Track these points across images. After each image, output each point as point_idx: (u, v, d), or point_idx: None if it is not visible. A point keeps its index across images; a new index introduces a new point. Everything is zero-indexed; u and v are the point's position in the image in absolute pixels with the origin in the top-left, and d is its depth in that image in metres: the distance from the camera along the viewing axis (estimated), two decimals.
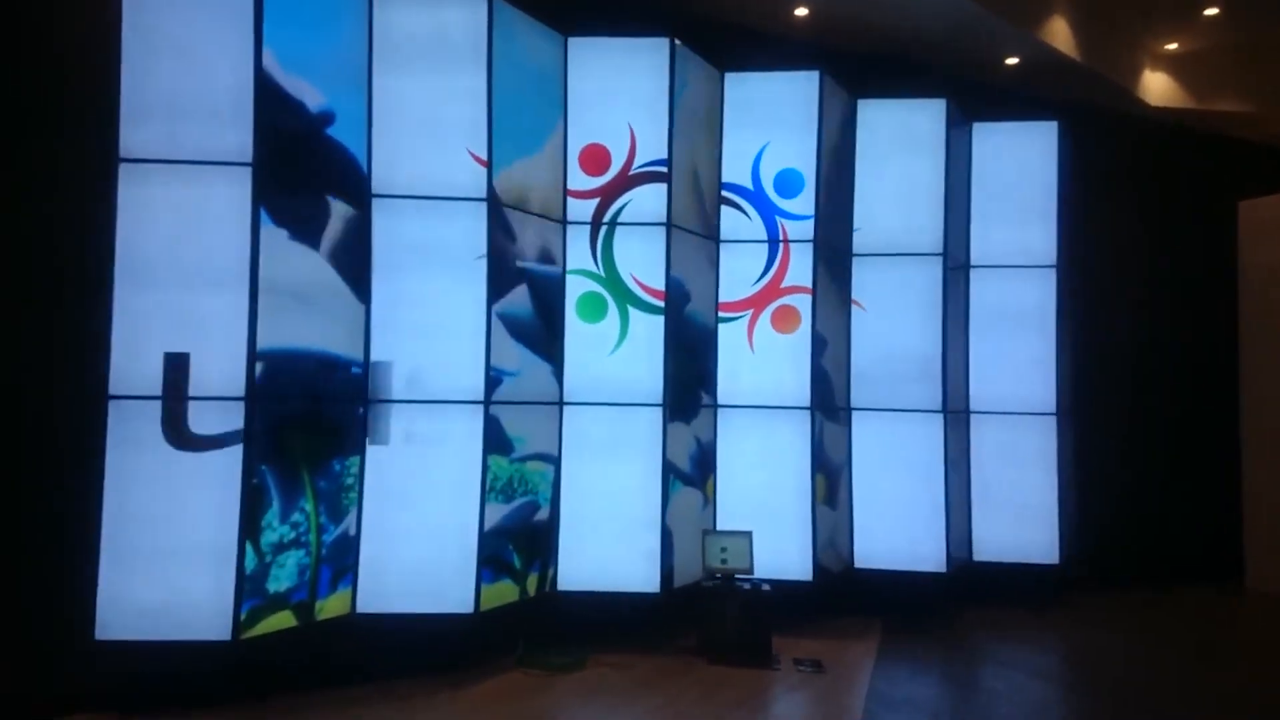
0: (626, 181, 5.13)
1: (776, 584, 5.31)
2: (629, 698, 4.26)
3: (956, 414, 6.21)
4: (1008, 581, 6.34)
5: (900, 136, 6.08)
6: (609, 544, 5.01)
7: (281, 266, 4.07)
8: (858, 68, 6.33)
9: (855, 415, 5.99)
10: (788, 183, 5.62)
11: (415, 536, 4.44)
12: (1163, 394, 7.61)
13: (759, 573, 5.32)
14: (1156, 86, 7.54)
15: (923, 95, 6.07)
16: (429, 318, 4.50)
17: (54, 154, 4.06)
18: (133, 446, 3.92)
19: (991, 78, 7.02)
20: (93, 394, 3.93)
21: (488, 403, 4.50)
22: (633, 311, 5.10)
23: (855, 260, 6.08)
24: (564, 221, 5.11)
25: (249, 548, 3.93)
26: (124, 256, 3.96)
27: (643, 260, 5.11)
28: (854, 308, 6.07)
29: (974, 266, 6.55)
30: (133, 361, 3.96)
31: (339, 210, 4.33)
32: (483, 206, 4.52)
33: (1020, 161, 6.54)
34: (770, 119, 5.64)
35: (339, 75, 4.35)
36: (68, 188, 4.07)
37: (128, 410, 3.93)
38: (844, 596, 5.88)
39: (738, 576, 5.03)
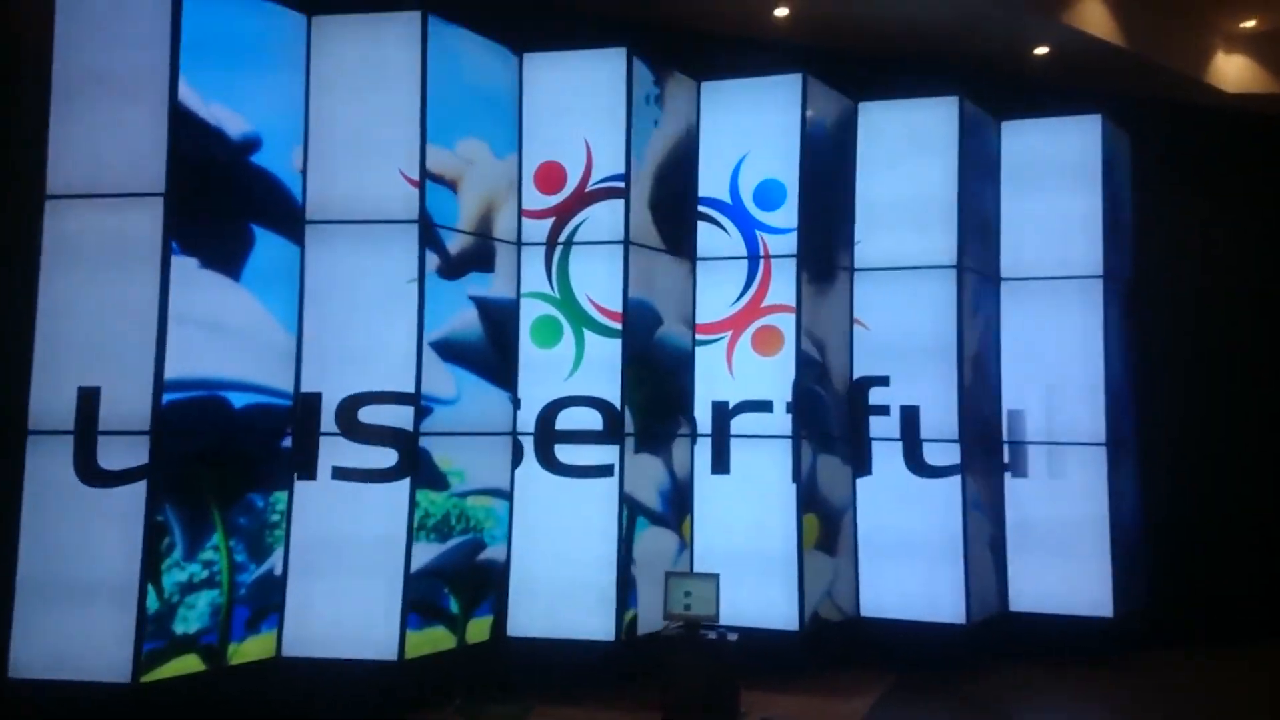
0: (583, 199, 4.84)
1: (759, 633, 4.82)
2: None
3: (984, 444, 5.54)
4: (1052, 636, 5.57)
5: (908, 140, 5.54)
6: (563, 587, 4.65)
7: (196, 297, 3.98)
8: (861, 70, 5.84)
9: (855, 445, 5.42)
10: (769, 194, 5.19)
11: (343, 576, 4.23)
12: (1238, 421, 6.60)
13: (741, 621, 4.84)
14: (1232, 71, 6.64)
15: (936, 95, 5.51)
16: (361, 345, 4.32)
17: None
18: (49, 483, 3.89)
19: (1021, 71, 6.34)
20: (13, 429, 3.93)
21: (417, 434, 4.27)
22: (589, 335, 4.78)
23: (857, 275, 5.54)
24: (518, 243, 4.86)
25: (150, 588, 3.81)
26: (46, 291, 3.97)
27: (600, 281, 4.79)
28: (856, 327, 5.52)
29: (1005, 279, 5.87)
30: (53, 396, 3.94)
31: (264, 238, 4.23)
32: (416, 229, 4.32)
33: (1059, 161, 5.84)
34: (750, 128, 5.24)
35: (270, 100, 4.28)
36: None
37: (44, 445, 3.91)
38: (850, 648, 5.29)
39: (705, 625, 4.55)
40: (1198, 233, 6.75)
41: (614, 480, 4.69)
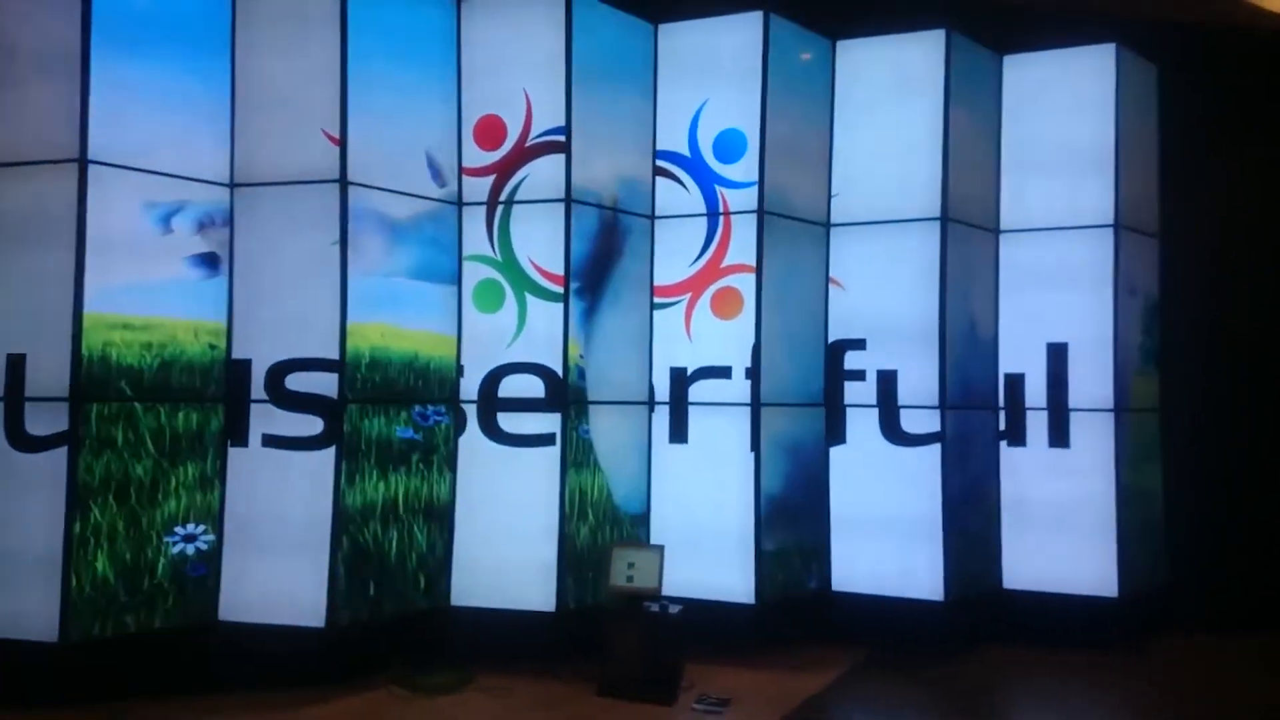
0: (523, 154, 4.63)
1: (714, 607, 4.63)
2: None
3: (975, 411, 5.14)
4: (1049, 617, 5.18)
5: (892, 81, 5.11)
6: (506, 557, 4.55)
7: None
8: (841, 5, 5.38)
9: (830, 412, 5.10)
10: (729, 145, 4.87)
11: (279, 542, 4.22)
12: (1269, 391, 5.94)
13: (698, 594, 4.66)
14: None
15: (922, 28, 5.04)
16: (291, 311, 4.25)
17: None
18: None
19: (1032, 2, 5.74)
20: None
21: (343, 401, 4.19)
22: (531, 300, 4.60)
23: (833, 231, 5.17)
24: (459, 203, 4.69)
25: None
26: None
27: (542, 242, 4.59)
28: (832, 287, 5.17)
29: (1005, 231, 5.40)
30: None
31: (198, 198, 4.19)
32: (336, 189, 4.20)
33: (1068, 98, 5.29)
34: (709, 73, 4.91)
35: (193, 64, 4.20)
36: None
37: None
38: (820, 624, 5.04)
39: (648, 597, 4.39)
40: (1236, 180, 6.05)
41: (555, 450, 4.52)
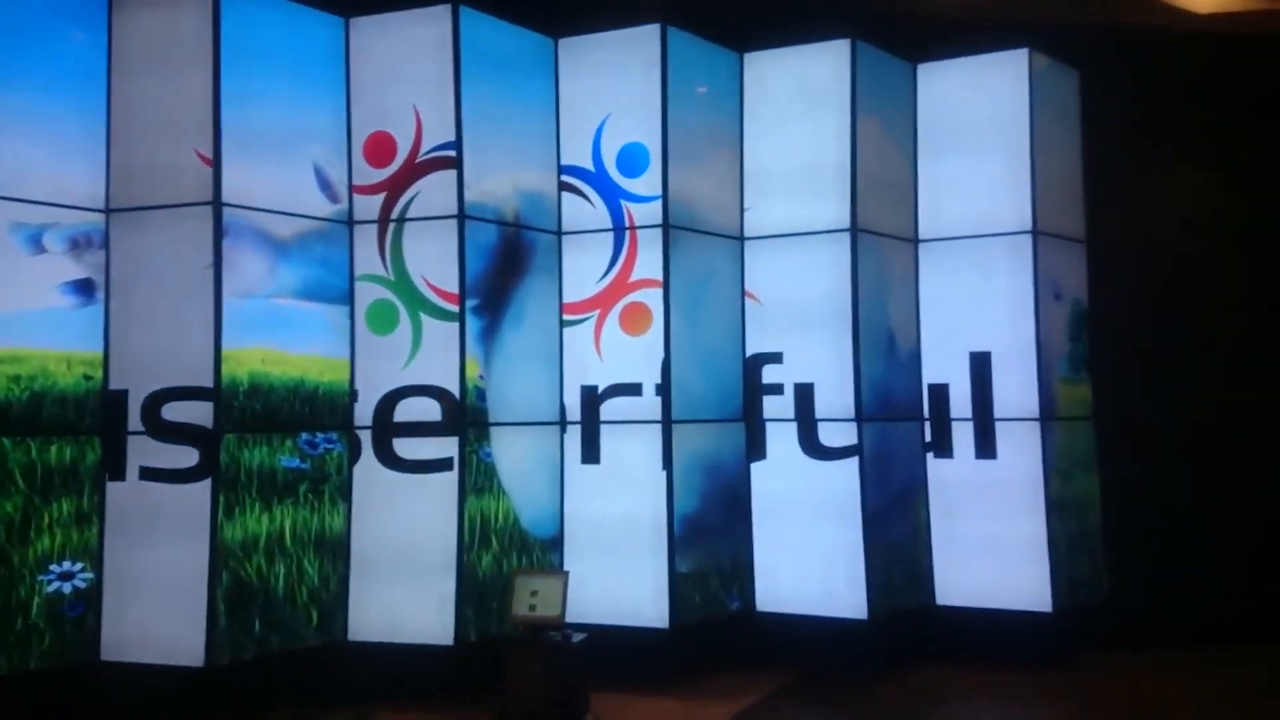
0: (414, 170, 4.50)
1: (628, 633, 4.45)
2: None
3: (895, 423, 5.00)
4: (982, 634, 5.00)
5: (799, 92, 5.02)
6: (404, 589, 4.35)
7: None
8: (750, 16, 5.31)
9: (750, 428, 4.95)
10: (632, 159, 4.76)
11: (158, 579, 4.02)
12: (1208, 395, 5.82)
13: (611, 619, 4.49)
14: None
15: (829, 38, 4.97)
16: (167, 339, 4.09)
17: None
18: None
19: (945, 10, 5.69)
20: None
21: (218, 431, 4.01)
22: (425, 319, 4.45)
23: (748, 245, 5.05)
24: (349, 221, 4.55)
25: None
26: None
27: (436, 259, 4.44)
28: (748, 301, 5.05)
29: (924, 241, 5.30)
30: None
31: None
32: (212, 211, 4.05)
33: (983, 106, 5.21)
34: (612, 87, 4.81)
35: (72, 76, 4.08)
36: None
37: None
38: (742, 647, 4.85)
39: (550, 626, 4.19)
40: (1162, 182, 5.99)
41: (453, 475, 4.34)
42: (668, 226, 4.65)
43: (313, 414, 4.35)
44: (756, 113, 5.06)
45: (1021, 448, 5.02)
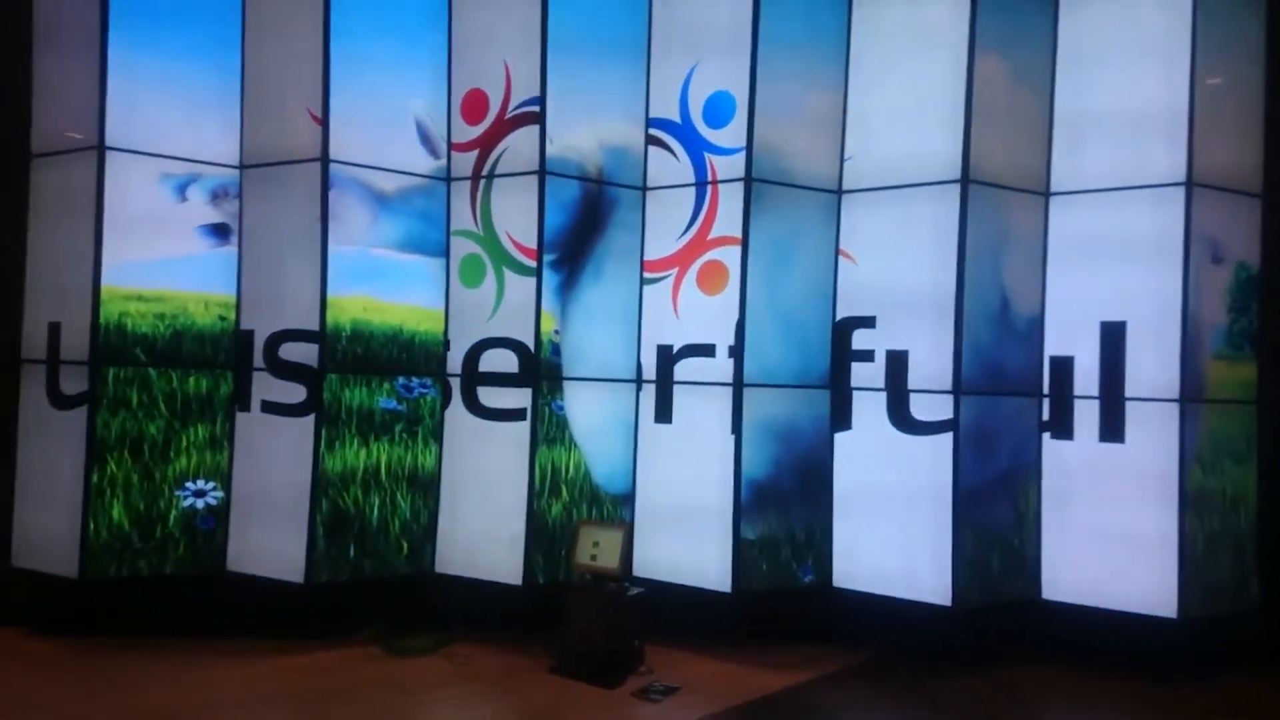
0: (503, 127, 4.64)
1: (693, 593, 4.49)
2: (422, 692, 3.95)
3: (1001, 397, 4.60)
4: (1092, 634, 4.56)
5: (912, 32, 4.63)
6: (482, 529, 4.63)
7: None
8: None
9: (836, 396, 4.74)
10: (717, 109, 4.62)
11: (273, 502, 4.54)
12: None
13: (677, 578, 4.55)
14: None
15: None
16: (285, 286, 4.54)
17: None
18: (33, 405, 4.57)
19: None
20: (11, 358, 4.65)
21: (322, 371, 4.42)
22: (508, 275, 4.62)
23: (845, 199, 4.78)
24: (448, 178, 4.78)
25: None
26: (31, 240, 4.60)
27: (518, 215, 4.58)
28: (842, 260, 4.80)
29: (1055, 194, 4.76)
30: (35, 330, 4.60)
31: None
32: (320, 167, 4.42)
33: (1137, 36, 4.57)
34: (700, 34, 4.66)
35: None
36: None
37: (31, 372, 4.59)
38: (816, 622, 4.74)
39: (610, 576, 4.31)
40: None
41: (526, 425, 4.52)
42: (750, 180, 4.49)
43: (409, 360, 4.66)
44: (863, 56, 4.72)
45: (1155, 432, 4.45)
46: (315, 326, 4.42)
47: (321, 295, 4.40)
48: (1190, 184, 4.38)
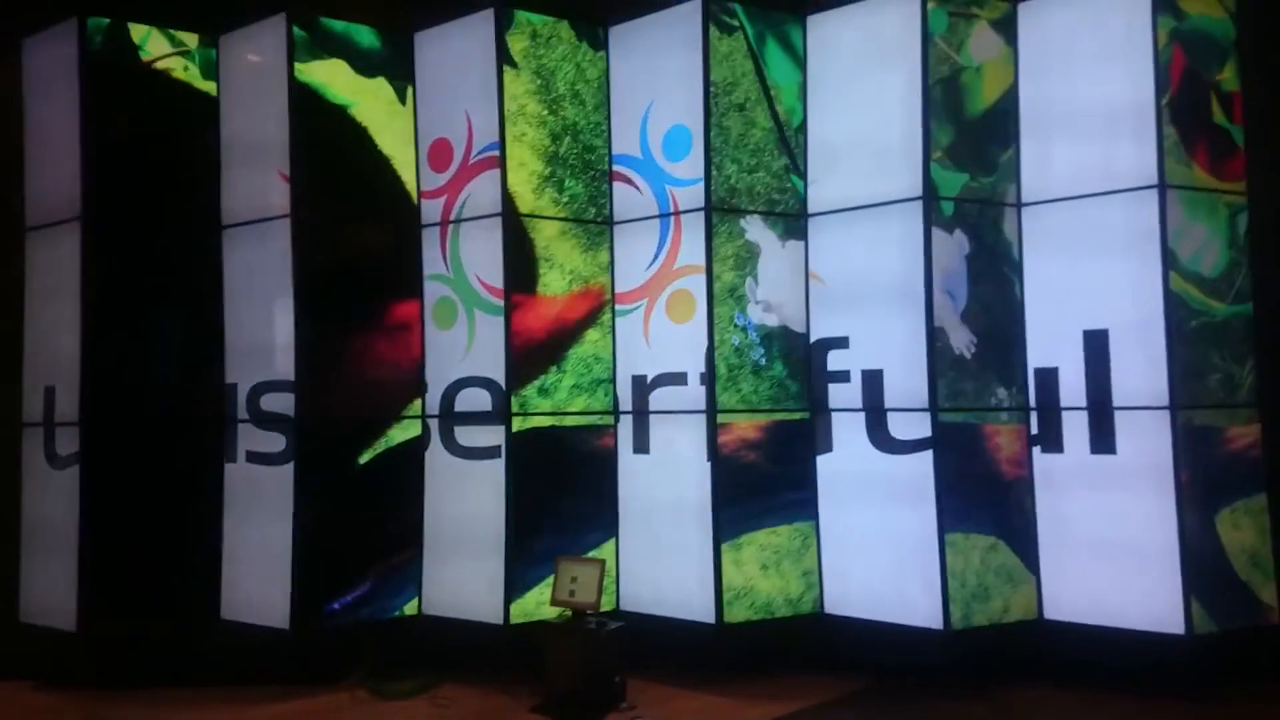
0: (467, 172, 4.76)
1: (675, 624, 4.45)
2: None
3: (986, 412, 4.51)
4: (1103, 655, 4.38)
5: (865, 52, 4.66)
6: (463, 568, 4.66)
7: None
8: None
9: (816, 419, 4.69)
10: (675, 142, 4.68)
11: (253, 551, 4.64)
12: None
13: (659, 609, 4.51)
14: None
15: None
16: (262, 337, 4.70)
17: None
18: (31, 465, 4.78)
19: None
20: (11, 422, 4.88)
21: (300, 420, 4.53)
22: (479, 314, 4.70)
23: (811, 222, 4.78)
24: (418, 225, 4.92)
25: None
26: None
27: (484, 257, 4.68)
28: (812, 282, 4.78)
29: (1027, 205, 4.70)
30: (33, 394, 4.82)
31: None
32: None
33: (1094, 45, 4.52)
34: (656, 69, 4.75)
35: None
36: None
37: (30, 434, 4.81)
38: (809, 651, 4.64)
39: (588, 613, 4.29)
40: None
41: (500, 462, 4.56)
42: (710, 209, 4.51)
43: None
44: (820, 80, 4.74)
45: (1147, 441, 4.29)
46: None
47: (296, 348, 4.51)
48: (1164, 186, 4.28)
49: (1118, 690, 4.21)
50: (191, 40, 4.90)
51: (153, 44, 4.83)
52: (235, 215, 4.78)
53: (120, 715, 4.22)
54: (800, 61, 4.79)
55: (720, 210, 4.56)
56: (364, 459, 4.67)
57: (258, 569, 4.62)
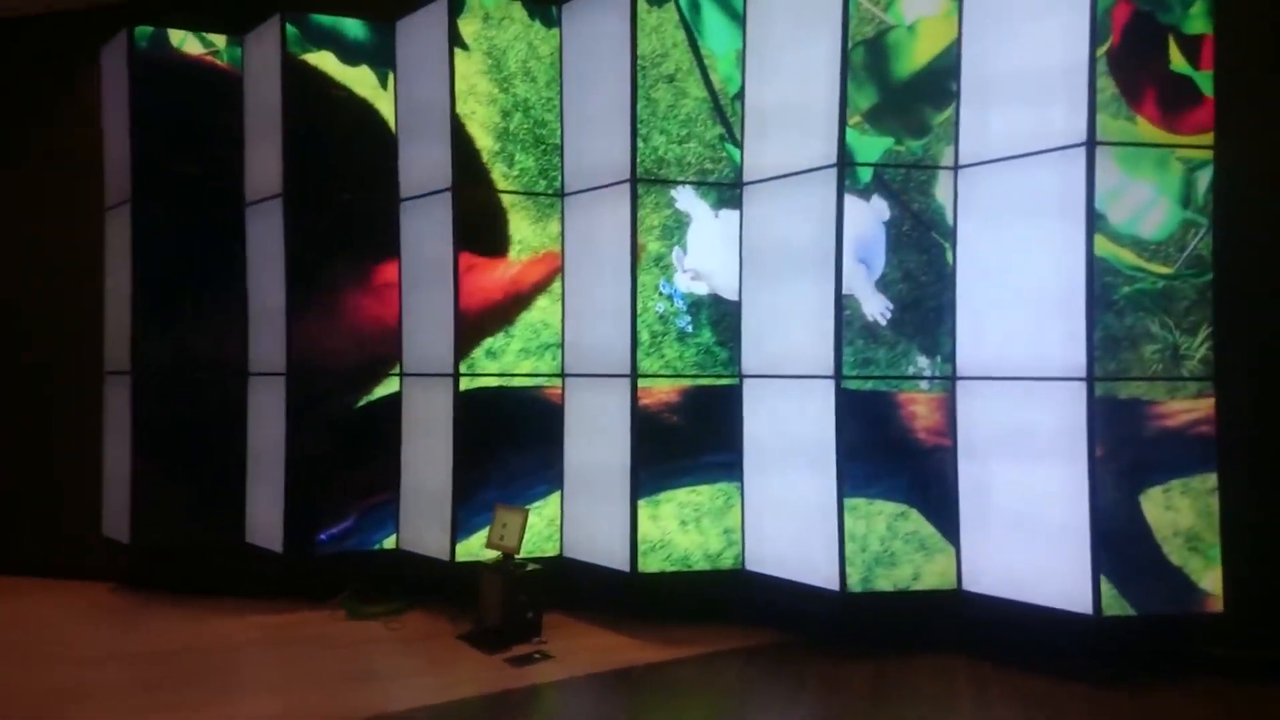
0: None
1: (601, 570, 4.87)
2: (343, 646, 4.64)
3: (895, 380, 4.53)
4: (1019, 630, 4.37)
5: (800, 14, 4.66)
6: (424, 512, 5.25)
7: None
8: None
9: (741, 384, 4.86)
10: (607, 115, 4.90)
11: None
12: None
13: (589, 557, 4.94)
14: None
15: None
16: None
17: None
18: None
19: None
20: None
21: (289, 375, 5.27)
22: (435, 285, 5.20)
23: (746, 190, 4.90)
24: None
25: None
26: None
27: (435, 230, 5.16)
28: (745, 251, 4.91)
29: (964, 167, 4.59)
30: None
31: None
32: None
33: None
34: (595, 44, 4.98)
35: None
36: None
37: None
38: (727, 605, 4.91)
39: (510, 555, 4.78)
40: None
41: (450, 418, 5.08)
42: (635, 180, 4.73)
43: None
44: (758, 46, 4.79)
45: (1065, 413, 4.16)
46: None
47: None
48: (1093, 143, 4.05)
49: (1030, 668, 4.17)
50: (220, 40, 5.62)
51: (189, 45, 5.58)
52: (257, 193, 5.50)
53: (150, 614, 5.18)
54: (741, 28, 4.82)
55: (646, 181, 4.74)
56: (355, 407, 5.31)
57: (264, 502, 5.42)
